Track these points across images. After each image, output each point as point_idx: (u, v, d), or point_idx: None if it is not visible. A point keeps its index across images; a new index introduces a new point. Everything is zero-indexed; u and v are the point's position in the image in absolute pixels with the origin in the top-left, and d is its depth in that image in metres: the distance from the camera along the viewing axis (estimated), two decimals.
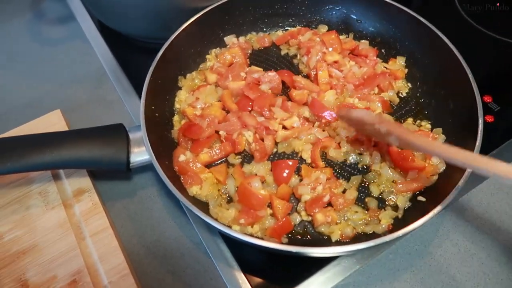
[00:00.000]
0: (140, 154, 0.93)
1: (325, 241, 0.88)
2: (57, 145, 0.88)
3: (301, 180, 0.97)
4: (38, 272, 0.86)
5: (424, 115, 1.07)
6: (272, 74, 1.10)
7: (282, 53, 1.24)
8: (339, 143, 1.01)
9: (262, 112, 1.03)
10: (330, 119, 1.03)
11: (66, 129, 1.09)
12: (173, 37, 1.08)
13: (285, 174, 0.95)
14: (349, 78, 1.11)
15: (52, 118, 1.12)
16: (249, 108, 1.05)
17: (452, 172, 0.91)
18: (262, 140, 1.00)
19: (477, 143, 0.86)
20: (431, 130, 1.03)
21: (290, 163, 0.96)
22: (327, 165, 1.00)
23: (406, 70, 1.15)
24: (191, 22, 1.12)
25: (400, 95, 1.12)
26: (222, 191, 0.96)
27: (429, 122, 1.05)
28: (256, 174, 0.97)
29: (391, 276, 0.87)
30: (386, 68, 1.15)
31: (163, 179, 0.85)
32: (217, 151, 1.00)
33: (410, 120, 1.07)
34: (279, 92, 1.12)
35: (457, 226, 0.93)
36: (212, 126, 1.01)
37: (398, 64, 1.16)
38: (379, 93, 1.11)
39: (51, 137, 0.89)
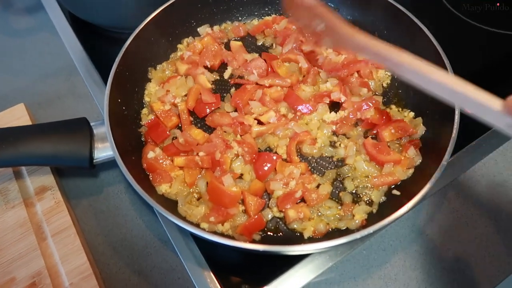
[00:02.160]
0: (105, 149, 0.89)
1: (298, 238, 0.86)
2: (14, 140, 0.83)
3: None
4: None
5: (403, 105, 1.04)
6: (259, 62, 1.06)
7: (259, 43, 1.19)
8: (314, 139, 0.97)
9: (238, 106, 1.00)
10: (306, 112, 0.99)
11: (30, 123, 1.04)
12: (141, 27, 1.04)
13: (266, 168, 0.92)
14: (325, 65, 1.07)
15: (16, 112, 1.07)
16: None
17: (428, 165, 0.88)
18: (244, 143, 0.95)
19: (453, 135, 0.83)
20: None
21: (274, 157, 0.93)
22: (302, 160, 0.96)
23: None
24: (160, 11, 1.07)
25: (381, 85, 1.09)
26: (193, 188, 0.92)
27: (410, 111, 1.02)
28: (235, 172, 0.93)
29: (365, 273, 0.85)
30: None
31: (126, 177, 0.81)
32: (199, 163, 0.92)
33: (393, 107, 1.04)
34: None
35: (433, 220, 0.91)
36: (191, 147, 0.95)
37: None
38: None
39: (6, 132, 0.84)
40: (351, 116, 0.99)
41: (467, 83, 0.62)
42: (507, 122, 0.56)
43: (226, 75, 1.11)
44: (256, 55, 1.13)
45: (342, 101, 1.00)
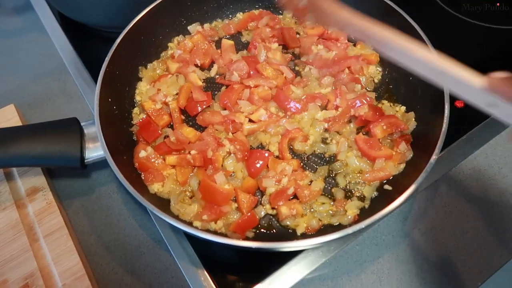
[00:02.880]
0: (96, 149, 0.88)
1: (291, 235, 0.86)
2: (4, 142, 0.82)
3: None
4: None
5: (394, 100, 1.05)
6: (242, 64, 1.05)
7: (243, 39, 1.19)
8: (306, 136, 0.97)
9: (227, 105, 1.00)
10: (295, 111, 0.99)
11: (20, 124, 1.03)
12: (131, 26, 1.03)
13: (258, 165, 0.91)
14: (315, 62, 1.07)
15: (6, 113, 1.06)
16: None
17: (419, 159, 0.89)
18: (235, 141, 0.95)
19: (443, 129, 0.84)
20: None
21: (266, 154, 0.93)
22: (294, 156, 0.97)
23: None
24: (150, 9, 1.06)
25: (372, 81, 1.09)
26: (186, 186, 0.92)
27: (402, 106, 1.02)
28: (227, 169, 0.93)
29: (358, 268, 0.85)
30: (361, 54, 1.11)
31: (118, 176, 0.80)
32: (191, 161, 0.92)
33: (385, 102, 1.04)
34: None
35: (425, 214, 0.91)
36: (183, 145, 0.95)
37: (369, 48, 1.13)
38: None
39: None
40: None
41: (450, 61, 0.60)
42: (487, 100, 0.55)
43: (213, 72, 1.11)
44: (245, 52, 1.13)
45: (338, 104, 1.00)
